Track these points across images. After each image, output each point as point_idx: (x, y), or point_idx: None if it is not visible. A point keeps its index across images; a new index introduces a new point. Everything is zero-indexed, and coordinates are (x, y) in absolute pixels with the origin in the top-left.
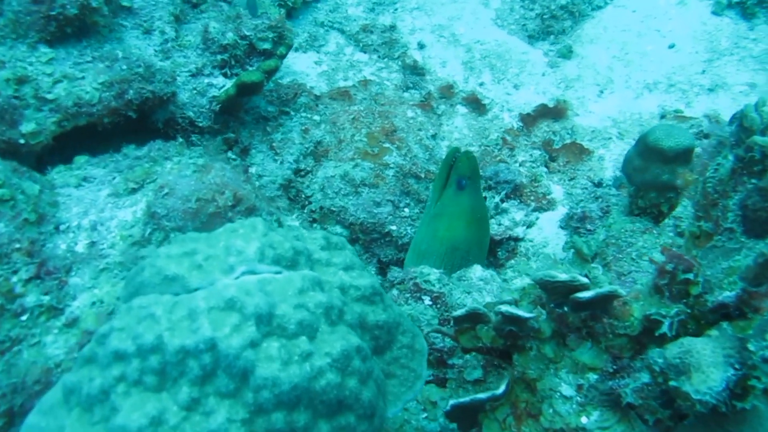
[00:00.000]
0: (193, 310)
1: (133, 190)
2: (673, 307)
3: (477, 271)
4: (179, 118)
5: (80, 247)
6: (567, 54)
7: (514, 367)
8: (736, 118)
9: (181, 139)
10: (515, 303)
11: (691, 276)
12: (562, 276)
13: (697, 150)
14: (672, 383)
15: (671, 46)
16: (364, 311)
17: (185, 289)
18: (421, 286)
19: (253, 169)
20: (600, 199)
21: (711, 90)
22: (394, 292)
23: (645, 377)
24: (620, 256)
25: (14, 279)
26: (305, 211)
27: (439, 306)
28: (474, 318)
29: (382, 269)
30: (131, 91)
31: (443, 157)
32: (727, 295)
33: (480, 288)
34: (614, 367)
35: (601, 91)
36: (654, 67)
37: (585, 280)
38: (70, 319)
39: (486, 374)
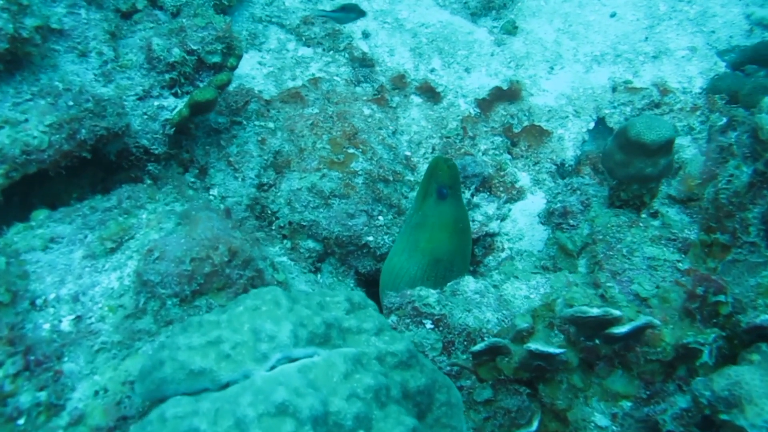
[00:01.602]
0: (240, 419)
1: (112, 251)
2: (710, 333)
3: (470, 283)
4: (133, 148)
5: (66, 325)
6: (512, 30)
7: (540, 397)
8: (735, 122)
9: (149, 181)
10: (532, 329)
11: (722, 298)
12: (594, 311)
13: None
14: (723, 416)
15: (613, 15)
16: (405, 379)
17: (215, 384)
18: (421, 310)
19: (214, 191)
20: (578, 192)
21: (655, 57)
22: (393, 318)
23: (681, 402)
24: (611, 253)
25: (0, 375)
26: (273, 227)
27: (441, 329)
28: (494, 351)
29: (360, 280)
30: (83, 131)
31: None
32: (765, 318)
33: (478, 303)
34: (647, 392)
35: (552, 68)
36: (599, 38)
37: (618, 312)
38: (75, 416)
39: (496, 393)
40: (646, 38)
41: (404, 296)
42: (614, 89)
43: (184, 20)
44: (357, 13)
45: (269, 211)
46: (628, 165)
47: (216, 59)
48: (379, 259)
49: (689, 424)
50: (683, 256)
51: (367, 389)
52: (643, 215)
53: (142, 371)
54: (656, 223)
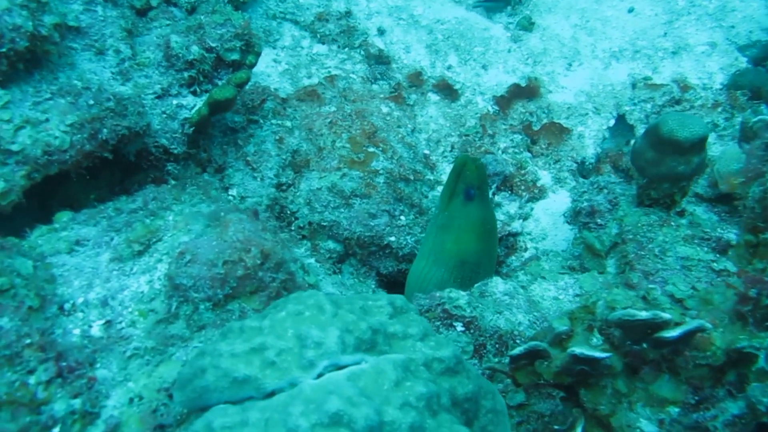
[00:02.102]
0: (293, 430)
1: (139, 253)
2: (765, 338)
3: (499, 285)
4: (152, 147)
5: (96, 330)
6: (528, 26)
7: (582, 402)
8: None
9: (173, 182)
10: (571, 332)
11: None
12: (643, 314)
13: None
14: None
15: (630, 10)
16: (452, 385)
17: (260, 392)
18: (451, 312)
19: (234, 191)
20: (605, 190)
21: (674, 53)
22: None
23: (733, 408)
24: (642, 253)
25: (32, 381)
26: (292, 227)
27: (472, 332)
28: (532, 355)
29: (382, 281)
30: (105, 131)
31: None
32: None
33: (508, 304)
34: (696, 398)
35: (570, 64)
36: (617, 34)
37: (667, 315)
38: (111, 425)
39: (529, 397)
40: (665, 34)
41: (433, 298)
42: (634, 86)
43: (202, 17)
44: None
45: (288, 212)
46: (660, 163)
47: (235, 57)
48: (401, 260)
49: (742, 431)
50: (718, 256)
51: (419, 397)
52: (672, 214)
53: (180, 379)
54: (684, 221)
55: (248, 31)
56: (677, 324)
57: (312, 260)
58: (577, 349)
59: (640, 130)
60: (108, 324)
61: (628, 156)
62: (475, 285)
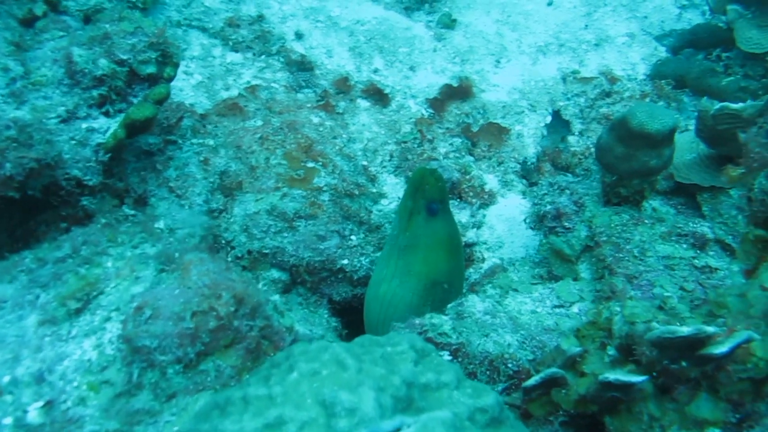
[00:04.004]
0: None
1: (78, 312)
2: None
3: (477, 303)
4: (63, 180)
5: (34, 415)
6: (450, 23)
7: (609, 431)
8: None
9: (103, 220)
10: (584, 353)
11: None
12: (685, 330)
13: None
14: None
15: (550, 3)
16: None
17: None
18: (436, 341)
19: (161, 223)
20: (567, 191)
21: (597, 45)
22: None
23: None
24: (621, 255)
25: None
26: (229, 258)
27: (461, 359)
28: (549, 383)
29: (335, 308)
30: (8, 165)
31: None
32: None
33: (492, 325)
34: (737, 416)
35: (498, 61)
36: (540, 28)
37: (711, 329)
38: None
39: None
40: (586, 26)
41: (413, 326)
42: (564, 80)
43: (107, 26)
44: None
45: (223, 241)
46: (631, 158)
47: (151, 70)
48: (356, 284)
49: None
50: (698, 252)
51: None
52: (644, 211)
53: None
54: (651, 217)
55: (164, 40)
56: (722, 337)
57: (276, 295)
58: (610, 375)
59: (576, 125)
60: (49, 405)
61: (566, 153)
62: (449, 305)
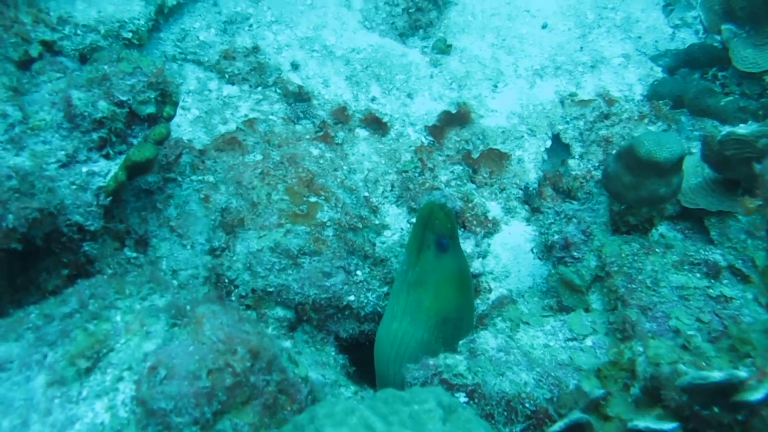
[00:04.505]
0: None
1: (87, 371)
2: None
3: (489, 340)
4: (64, 227)
5: None
6: (445, 49)
7: None
8: None
9: (109, 270)
10: (607, 395)
11: None
12: (716, 375)
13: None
14: None
15: (544, 26)
16: None
17: None
18: (452, 382)
19: (163, 265)
20: (574, 219)
21: (593, 67)
22: None
23: None
24: (633, 286)
25: None
26: (233, 297)
27: (477, 401)
28: (574, 429)
29: (341, 345)
30: (10, 216)
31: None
32: None
33: (506, 362)
34: None
35: (495, 85)
36: (536, 51)
37: (743, 374)
38: None
39: None
40: (581, 48)
41: (428, 368)
42: (562, 103)
43: (105, 67)
44: None
45: (226, 280)
46: (640, 187)
47: (150, 110)
48: (362, 320)
49: None
50: (712, 281)
51: None
52: (653, 239)
53: None
54: (660, 247)
55: (163, 79)
56: (754, 380)
57: (287, 342)
58: (640, 423)
59: (576, 148)
60: None
61: (567, 177)
62: (461, 342)
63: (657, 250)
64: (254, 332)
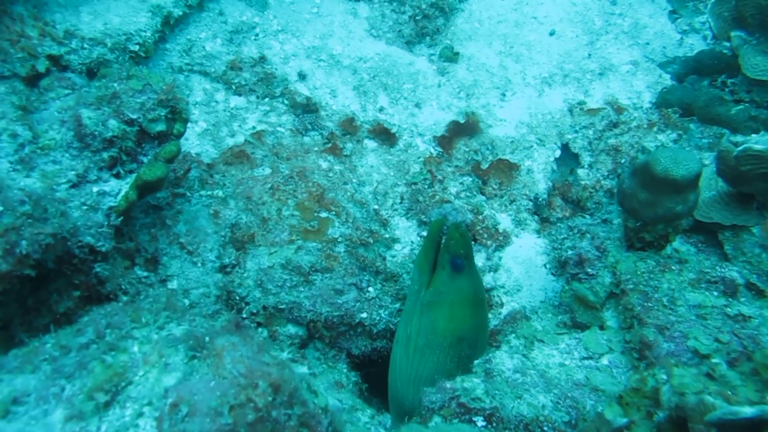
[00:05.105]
0: None
1: (106, 405)
2: None
3: (505, 361)
4: (76, 248)
5: None
6: (452, 57)
7: None
8: None
9: (125, 297)
10: (631, 424)
11: None
12: (747, 411)
13: None
14: None
15: (552, 33)
16: None
17: None
18: (469, 406)
19: (174, 283)
20: (588, 235)
21: (601, 74)
22: (437, 419)
23: None
24: (649, 304)
25: None
26: (244, 314)
27: (495, 424)
28: None
29: (353, 362)
30: (24, 243)
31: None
32: None
33: (523, 384)
34: None
35: (503, 94)
36: (544, 59)
37: None
38: None
39: None
40: (589, 55)
41: (445, 391)
42: (571, 111)
43: (115, 84)
44: None
45: (237, 297)
46: (656, 204)
47: (161, 127)
48: (375, 337)
49: None
50: (729, 300)
51: None
52: (669, 256)
53: None
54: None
55: (173, 96)
56: None
57: (305, 368)
58: None
59: (585, 158)
60: None
61: (577, 186)
62: (476, 362)
63: (673, 267)
64: (274, 363)
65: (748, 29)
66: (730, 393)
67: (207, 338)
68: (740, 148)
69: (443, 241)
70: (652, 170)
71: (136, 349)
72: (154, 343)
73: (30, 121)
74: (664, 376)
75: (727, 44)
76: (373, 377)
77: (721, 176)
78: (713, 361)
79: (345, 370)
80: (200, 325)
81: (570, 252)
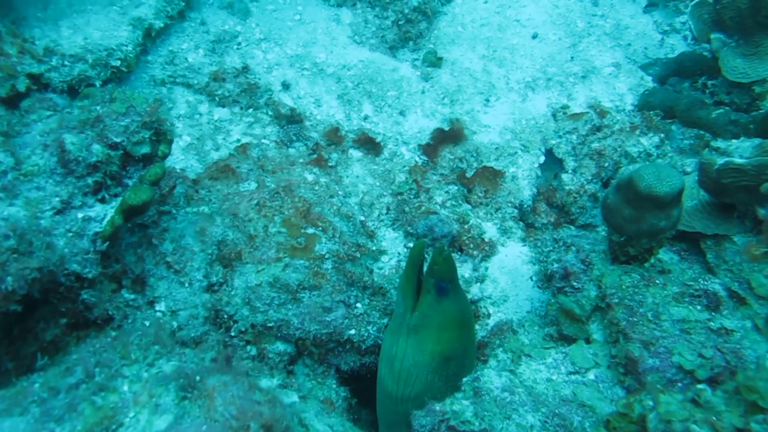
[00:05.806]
0: None
1: None
2: None
3: (494, 379)
4: (62, 277)
5: None
6: (436, 61)
7: None
8: None
9: (113, 332)
10: None
11: None
12: None
13: None
14: None
15: (535, 36)
16: None
17: None
18: (459, 429)
19: (161, 306)
20: (573, 248)
21: (584, 77)
22: None
23: None
24: (634, 319)
25: None
26: (232, 332)
27: None
28: None
29: (342, 377)
30: (9, 279)
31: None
32: None
33: (511, 403)
34: None
35: (487, 100)
36: (527, 62)
37: None
38: None
39: None
40: (572, 58)
41: (434, 414)
42: (555, 116)
43: (98, 108)
44: None
45: (225, 315)
46: (641, 220)
47: (145, 150)
48: (363, 353)
49: None
50: (712, 314)
51: None
52: (652, 270)
53: None
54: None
55: (157, 117)
56: None
57: (295, 397)
58: None
59: (570, 162)
60: None
61: (561, 191)
62: (464, 380)
63: (657, 281)
64: (265, 401)
65: (727, 32)
66: (715, 419)
67: (198, 377)
68: (721, 162)
69: (427, 264)
70: (635, 187)
71: (126, 388)
72: (144, 381)
73: (12, 147)
74: (651, 402)
75: (707, 46)
76: (363, 391)
77: (703, 187)
78: (698, 387)
79: (334, 386)
80: (190, 360)
81: (556, 265)
